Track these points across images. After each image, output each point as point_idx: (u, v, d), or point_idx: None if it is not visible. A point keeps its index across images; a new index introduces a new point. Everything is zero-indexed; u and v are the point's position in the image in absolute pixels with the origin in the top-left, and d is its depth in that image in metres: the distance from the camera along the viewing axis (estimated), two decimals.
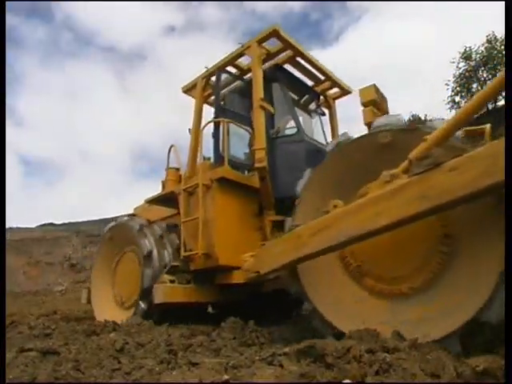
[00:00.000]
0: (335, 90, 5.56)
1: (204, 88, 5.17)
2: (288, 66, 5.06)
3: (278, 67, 4.89)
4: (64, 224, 30.38)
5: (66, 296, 13.48)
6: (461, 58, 17.08)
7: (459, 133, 2.22)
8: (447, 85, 17.43)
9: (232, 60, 4.82)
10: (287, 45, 4.58)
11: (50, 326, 3.63)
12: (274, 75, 4.79)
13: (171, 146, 5.10)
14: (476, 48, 16.74)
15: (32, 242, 21.49)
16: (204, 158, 4.60)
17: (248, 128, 4.57)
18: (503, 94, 2.11)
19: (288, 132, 4.67)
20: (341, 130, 5.50)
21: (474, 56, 16.75)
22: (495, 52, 15.94)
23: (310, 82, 5.35)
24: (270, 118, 4.51)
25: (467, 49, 16.94)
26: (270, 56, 4.70)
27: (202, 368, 1.73)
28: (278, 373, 1.55)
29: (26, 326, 3.78)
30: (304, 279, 2.76)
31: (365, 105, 2.90)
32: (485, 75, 16.78)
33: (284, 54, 4.81)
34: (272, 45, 4.67)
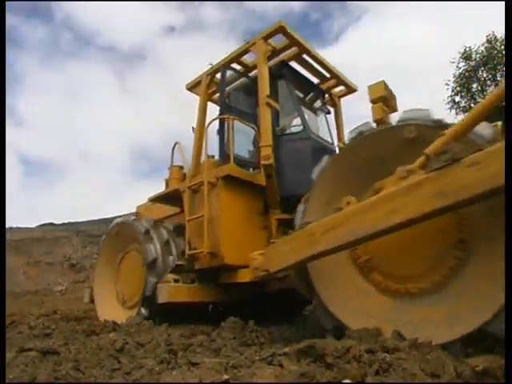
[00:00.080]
0: (341, 87, 5.50)
1: (208, 85, 5.11)
2: (292, 63, 4.99)
3: (284, 64, 4.84)
4: (64, 224, 30.41)
5: (66, 296, 13.47)
6: (461, 57, 17.07)
7: (481, 128, 2.13)
8: (447, 85, 17.43)
9: (237, 57, 4.76)
10: (293, 41, 4.52)
11: (49, 326, 3.64)
12: (280, 72, 4.73)
13: (175, 144, 5.03)
14: (476, 48, 16.74)
15: (32, 242, 21.49)
16: (208, 156, 4.54)
17: (253, 125, 4.53)
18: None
19: (294, 129, 4.62)
20: (346, 129, 5.51)
21: (474, 56, 16.75)
22: (495, 52, 15.94)
23: (315, 80, 5.30)
24: (275, 116, 4.45)
25: (467, 49, 16.94)
26: (275, 53, 4.64)
27: (202, 368, 1.73)
28: (277, 372, 1.55)
29: (25, 326, 3.78)
30: (312, 271, 2.71)
31: (374, 101, 2.83)
32: (485, 75, 16.78)
33: (290, 50, 4.75)
34: (277, 41, 4.60)
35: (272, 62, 4.74)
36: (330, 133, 5.21)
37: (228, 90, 4.90)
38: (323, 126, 5.15)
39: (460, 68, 17.10)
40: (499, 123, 2.28)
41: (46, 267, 20.13)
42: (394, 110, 3.03)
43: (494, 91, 2.08)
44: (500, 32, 15.58)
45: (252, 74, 4.96)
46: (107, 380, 1.76)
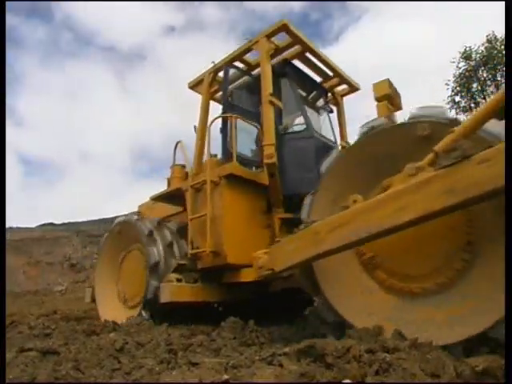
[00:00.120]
0: (343, 86, 5.47)
1: (211, 84, 5.07)
2: (294, 62, 4.96)
3: (287, 62, 4.81)
4: (64, 224, 30.43)
5: (66, 296, 13.47)
6: (461, 57, 17.11)
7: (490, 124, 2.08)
8: (447, 84, 17.46)
9: (240, 55, 4.72)
10: (296, 39, 4.49)
11: (49, 326, 3.64)
12: (283, 70, 4.70)
13: (178, 142, 4.99)
14: (476, 48, 16.77)
15: (32, 242, 21.51)
16: (210, 155, 4.51)
17: (256, 124, 4.50)
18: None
19: (297, 128, 4.59)
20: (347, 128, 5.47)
21: (474, 56, 16.77)
22: (495, 52, 15.96)
23: (317, 79, 5.27)
24: (278, 114, 4.41)
25: (467, 49, 16.97)
26: (278, 51, 4.61)
27: (202, 368, 1.73)
28: (277, 372, 1.55)
29: (25, 326, 3.78)
30: (317, 269, 2.68)
31: (378, 100, 2.81)
32: (485, 75, 16.80)
33: (292, 49, 4.72)
34: (280, 40, 4.58)
35: (275, 61, 4.71)
36: (333, 132, 5.17)
37: (231, 89, 4.87)
38: (326, 125, 5.11)
39: (460, 68, 17.15)
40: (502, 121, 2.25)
41: (46, 267, 20.15)
42: (399, 108, 3.00)
43: (503, 87, 2.03)
44: (500, 32, 15.61)
45: (255, 72, 4.94)
46: (107, 380, 1.76)
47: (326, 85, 5.36)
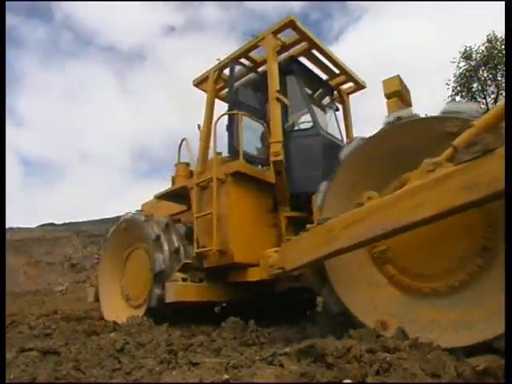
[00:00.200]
0: (349, 84, 5.41)
1: (216, 81, 5.01)
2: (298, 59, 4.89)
3: (293, 59, 4.76)
4: (64, 224, 30.47)
5: (67, 296, 13.47)
6: (461, 57, 17.10)
7: None
8: (447, 84, 17.47)
9: (246, 51, 4.67)
10: (303, 36, 4.43)
11: (50, 326, 3.63)
12: (289, 68, 4.64)
13: (183, 140, 4.92)
14: (476, 48, 16.76)
15: (32, 242, 21.54)
16: (216, 153, 4.42)
17: (262, 121, 4.45)
18: (503, 93, 2.07)
19: (303, 126, 4.54)
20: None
21: (474, 56, 16.77)
22: (496, 52, 15.96)
23: (323, 76, 5.20)
24: (284, 112, 4.35)
25: (467, 48, 16.97)
26: (284, 48, 4.55)
27: (203, 368, 1.73)
28: (278, 372, 1.55)
29: (26, 326, 3.77)
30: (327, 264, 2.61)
31: (388, 96, 2.78)
32: (485, 75, 16.81)
33: (299, 46, 4.66)
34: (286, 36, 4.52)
35: (281, 58, 4.64)
36: (340, 130, 5.12)
37: (236, 86, 4.82)
38: (332, 123, 5.06)
39: (460, 68, 17.15)
40: None
41: (46, 267, 20.17)
42: (409, 104, 2.96)
43: None
44: (500, 32, 15.60)
45: (260, 69, 4.89)
46: (107, 380, 1.76)
47: (332, 82, 5.29)
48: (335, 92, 5.39)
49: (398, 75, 2.87)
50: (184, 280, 3.83)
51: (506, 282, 1.70)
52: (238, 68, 4.76)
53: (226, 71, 4.93)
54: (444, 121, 2.25)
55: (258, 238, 3.87)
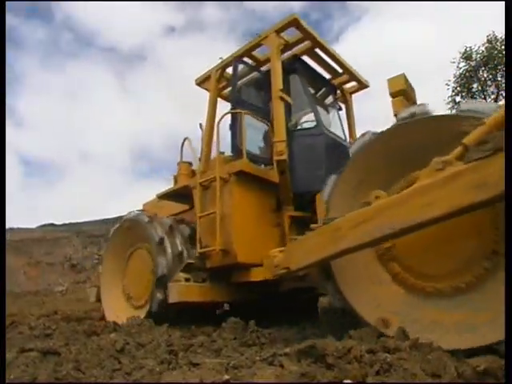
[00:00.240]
0: (352, 83, 5.37)
1: (218, 80, 4.97)
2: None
3: (297, 58, 4.72)
4: (64, 224, 30.46)
5: (67, 296, 13.47)
6: (461, 57, 17.08)
7: None
8: (447, 85, 17.45)
9: (249, 50, 4.63)
10: (306, 35, 4.40)
11: (50, 327, 3.63)
12: (292, 66, 4.61)
13: (185, 139, 4.87)
14: (476, 48, 16.75)
15: (32, 243, 21.55)
16: (220, 153, 4.38)
17: (265, 121, 4.42)
18: (503, 93, 2.06)
19: (306, 125, 4.51)
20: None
21: (474, 56, 16.76)
22: (496, 52, 15.95)
23: (326, 75, 5.17)
24: (287, 111, 4.31)
25: (467, 49, 16.95)
26: (288, 46, 4.52)
27: (203, 368, 1.73)
28: (278, 373, 1.55)
29: (26, 327, 3.77)
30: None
31: (393, 95, 2.74)
32: (485, 75, 16.80)
33: (302, 44, 4.62)
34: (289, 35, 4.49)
35: (284, 56, 4.60)
36: (343, 129, 5.09)
37: (239, 85, 4.79)
38: (335, 123, 5.03)
39: (460, 68, 17.13)
40: None
41: (46, 268, 20.18)
42: (414, 103, 2.91)
43: None
44: (500, 32, 15.59)
45: (263, 68, 4.86)
46: (108, 380, 1.76)
47: (335, 82, 5.27)
48: (338, 91, 5.36)
49: (403, 74, 2.83)
50: (187, 280, 3.79)
51: (505, 283, 1.70)
52: (240, 67, 4.73)
53: (229, 70, 4.90)
54: (460, 119, 2.19)
55: (261, 237, 3.83)
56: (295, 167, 4.03)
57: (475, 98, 16.97)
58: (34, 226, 28.37)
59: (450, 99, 17.30)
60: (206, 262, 3.97)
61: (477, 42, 18.13)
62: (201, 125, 4.92)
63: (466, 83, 16.98)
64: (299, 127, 4.52)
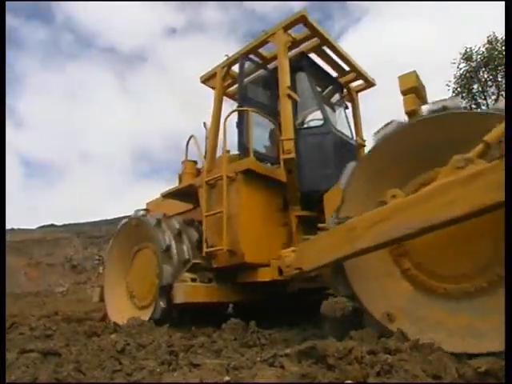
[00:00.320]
0: (358, 82, 5.32)
1: (224, 78, 4.91)
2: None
3: (304, 56, 4.67)
4: (65, 225, 30.49)
5: (67, 297, 13.47)
6: (461, 58, 17.09)
7: None
8: (448, 85, 17.43)
9: (256, 47, 4.57)
10: (314, 32, 4.33)
11: (51, 327, 3.62)
12: (299, 64, 4.55)
13: (190, 137, 4.80)
14: (477, 49, 16.76)
15: (33, 243, 21.54)
16: (226, 151, 4.28)
17: (272, 119, 4.37)
18: (503, 93, 2.04)
19: (314, 123, 4.45)
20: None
21: (474, 57, 16.76)
22: (496, 53, 15.94)
23: (333, 73, 5.12)
24: (294, 109, 4.23)
25: (468, 49, 16.95)
26: (295, 44, 4.46)
27: (203, 369, 1.73)
28: (279, 374, 1.55)
29: (27, 327, 3.76)
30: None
31: (404, 93, 2.65)
32: (486, 76, 16.80)
33: (309, 42, 4.57)
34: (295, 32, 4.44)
35: (290, 54, 4.55)
36: (350, 128, 5.04)
37: (245, 83, 4.71)
38: (342, 121, 4.97)
39: (461, 69, 17.12)
40: None
41: (46, 268, 20.17)
42: (425, 101, 2.84)
43: None
44: (501, 33, 15.59)
45: (270, 65, 4.82)
46: (108, 381, 1.76)
47: (341, 80, 5.22)
48: (344, 90, 5.30)
49: (415, 71, 2.74)
50: (193, 280, 3.72)
51: (505, 283, 1.69)
52: (247, 64, 4.67)
53: (234, 68, 4.85)
54: (489, 117, 2.11)
55: (268, 237, 3.78)
56: (302, 166, 3.97)
57: (475, 99, 16.97)
58: (34, 226, 28.42)
59: None
60: (212, 262, 3.91)
61: (477, 43, 18.13)
62: (205, 123, 4.85)
63: (466, 84, 16.97)
64: (306, 125, 4.46)
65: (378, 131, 2.53)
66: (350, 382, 1.45)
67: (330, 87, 5.09)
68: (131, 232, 4.49)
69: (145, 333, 3.09)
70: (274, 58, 4.53)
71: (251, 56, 4.70)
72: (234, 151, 4.39)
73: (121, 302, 4.39)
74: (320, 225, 2.63)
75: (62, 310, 7.21)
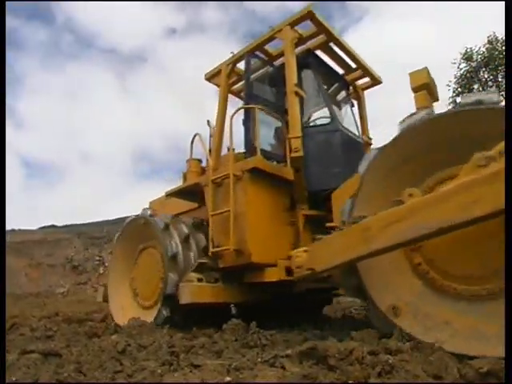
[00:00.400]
0: (365, 80, 5.25)
1: (229, 75, 4.83)
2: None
3: (310, 53, 4.60)
4: (65, 226, 30.49)
5: (68, 298, 13.48)
6: (462, 58, 17.06)
7: None
8: (448, 85, 17.42)
9: (262, 44, 4.50)
10: (321, 29, 4.26)
11: (51, 328, 3.63)
12: (306, 61, 4.48)
13: (195, 135, 4.71)
14: (477, 49, 16.74)
15: (33, 244, 21.54)
16: (233, 149, 4.20)
17: (278, 116, 4.31)
18: (503, 93, 2.03)
19: (320, 121, 4.39)
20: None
21: (475, 57, 16.73)
22: (496, 53, 15.93)
23: (339, 70, 5.05)
24: (300, 106, 4.15)
25: (468, 49, 16.93)
26: (302, 40, 4.39)
27: (204, 370, 1.73)
28: (280, 374, 1.55)
29: (27, 328, 3.77)
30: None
31: (415, 90, 2.63)
32: (486, 76, 16.77)
33: (316, 38, 4.51)
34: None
35: (297, 51, 4.47)
36: (357, 126, 4.97)
37: (250, 80, 4.63)
38: (349, 119, 4.91)
39: (461, 69, 17.09)
40: None
41: (47, 269, 20.17)
42: (436, 98, 2.83)
43: None
44: (501, 33, 15.58)
45: (276, 62, 4.76)
46: (109, 382, 1.76)
47: (348, 78, 5.16)
48: (350, 87, 5.25)
49: (426, 67, 2.72)
50: (199, 280, 3.64)
51: (505, 283, 1.69)
52: (253, 61, 4.60)
53: (239, 65, 4.81)
54: None
55: (275, 237, 3.71)
56: (310, 164, 3.90)
57: None
58: (34, 227, 28.43)
59: (450, 100, 17.28)
60: (218, 262, 3.84)
61: (477, 43, 18.10)
62: (208, 121, 4.80)
63: (466, 84, 16.94)
64: (312, 123, 4.41)
65: (404, 120, 2.42)
66: (351, 382, 1.45)
67: (336, 85, 5.02)
68: (137, 230, 4.42)
69: (145, 333, 3.08)
70: (280, 54, 4.48)
71: (257, 53, 4.64)
72: (238, 149, 4.34)
73: (124, 300, 4.32)
74: (328, 224, 2.57)
75: (62, 310, 7.21)
